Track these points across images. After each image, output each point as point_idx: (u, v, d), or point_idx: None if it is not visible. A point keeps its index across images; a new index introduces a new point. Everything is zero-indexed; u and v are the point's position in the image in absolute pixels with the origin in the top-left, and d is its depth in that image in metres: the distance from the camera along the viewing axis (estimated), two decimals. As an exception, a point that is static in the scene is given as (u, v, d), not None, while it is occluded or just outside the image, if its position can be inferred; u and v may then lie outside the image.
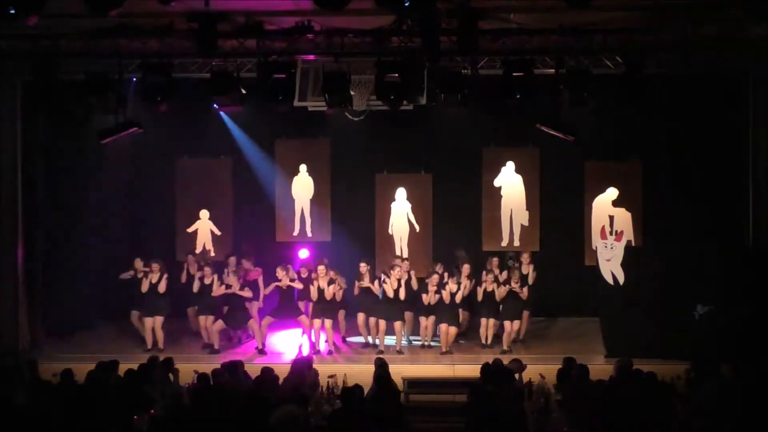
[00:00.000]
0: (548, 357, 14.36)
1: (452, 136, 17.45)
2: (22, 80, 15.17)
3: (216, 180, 18.13)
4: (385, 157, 17.91)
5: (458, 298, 15.20)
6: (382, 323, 15.22)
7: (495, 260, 16.06)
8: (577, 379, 11.11)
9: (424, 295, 15.31)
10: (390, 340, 15.42)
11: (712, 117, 16.61)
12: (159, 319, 15.34)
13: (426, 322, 15.39)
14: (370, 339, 15.52)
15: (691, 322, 14.32)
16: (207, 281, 15.61)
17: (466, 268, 15.58)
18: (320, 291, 15.28)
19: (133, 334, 16.03)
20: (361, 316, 15.49)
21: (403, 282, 15.36)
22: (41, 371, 12.16)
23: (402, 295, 15.28)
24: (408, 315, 15.57)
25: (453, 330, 15.12)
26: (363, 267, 15.54)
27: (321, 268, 15.35)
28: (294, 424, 9.69)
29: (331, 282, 15.31)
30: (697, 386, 11.10)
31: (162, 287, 15.39)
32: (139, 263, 15.63)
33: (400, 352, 15.03)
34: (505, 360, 12.17)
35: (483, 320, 15.41)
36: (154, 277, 15.40)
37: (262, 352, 15.09)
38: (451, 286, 15.22)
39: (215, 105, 14.85)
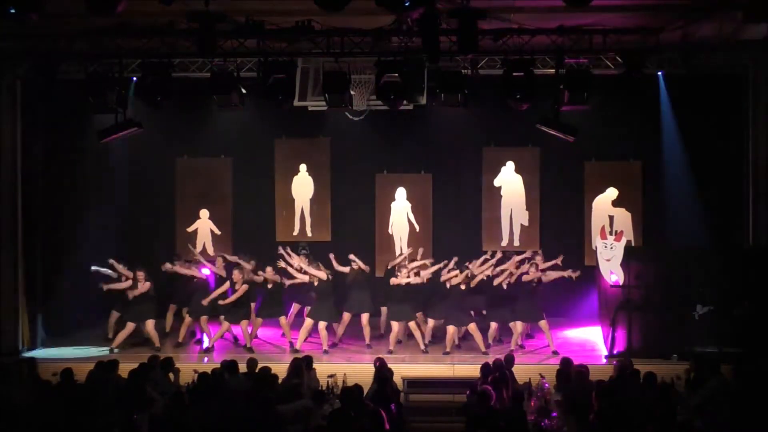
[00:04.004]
0: (548, 357, 14.37)
1: (452, 136, 17.47)
2: (22, 80, 15.17)
3: (216, 180, 18.15)
4: (385, 157, 17.93)
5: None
6: (394, 323, 15.14)
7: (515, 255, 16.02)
8: (577, 379, 11.11)
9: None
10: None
11: (712, 117, 16.61)
12: (150, 322, 15.30)
13: (432, 322, 15.36)
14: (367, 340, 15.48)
15: (691, 322, 14.32)
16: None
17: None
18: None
19: (133, 334, 16.01)
20: (347, 316, 15.40)
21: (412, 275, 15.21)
22: (41, 371, 12.17)
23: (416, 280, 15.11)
24: (420, 316, 15.47)
25: (455, 330, 15.03)
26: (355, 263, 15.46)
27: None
28: (306, 418, 9.94)
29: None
30: (697, 386, 11.11)
31: (151, 293, 15.35)
32: (120, 267, 15.55)
33: (391, 351, 14.98)
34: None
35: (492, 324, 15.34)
36: (142, 287, 15.29)
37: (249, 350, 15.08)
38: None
39: (215, 105, 14.85)
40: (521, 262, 15.35)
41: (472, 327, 14.89)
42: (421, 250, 16.36)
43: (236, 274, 15.24)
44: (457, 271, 14.86)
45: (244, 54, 14.12)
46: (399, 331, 15.09)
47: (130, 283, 15.29)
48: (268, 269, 15.33)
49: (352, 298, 15.41)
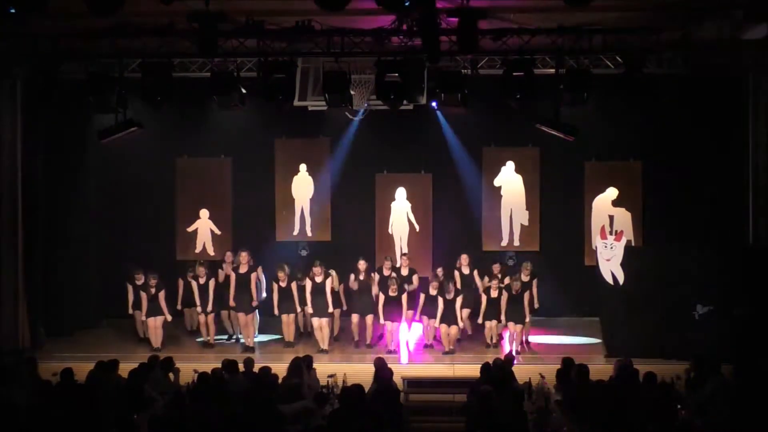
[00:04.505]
0: (548, 357, 14.37)
1: (452, 136, 17.48)
2: (22, 80, 15.16)
3: (216, 180, 18.15)
4: (385, 157, 17.93)
5: (458, 304, 15.18)
6: (388, 323, 15.20)
7: (497, 266, 16.00)
8: (577, 379, 11.10)
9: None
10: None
11: (712, 117, 16.62)
12: (159, 319, 15.36)
13: (428, 321, 15.41)
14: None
15: (691, 322, 14.32)
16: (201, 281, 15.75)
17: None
18: (317, 289, 15.36)
19: (134, 333, 16.03)
20: (355, 317, 15.51)
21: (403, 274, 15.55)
22: (41, 371, 12.16)
23: (404, 297, 15.26)
24: (408, 314, 15.56)
25: (454, 330, 15.10)
26: (362, 264, 15.53)
27: (317, 269, 15.41)
28: (307, 419, 9.95)
29: (327, 276, 15.43)
30: (697, 386, 11.10)
31: (161, 300, 15.39)
32: (140, 276, 15.63)
33: (391, 351, 14.99)
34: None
35: (487, 323, 15.36)
36: (151, 290, 15.41)
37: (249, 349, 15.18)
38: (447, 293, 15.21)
39: (215, 105, 14.84)
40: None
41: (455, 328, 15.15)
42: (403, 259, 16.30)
43: (244, 256, 15.52)
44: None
45: (244, 54, 14.12)
46: (393, 331, 15.22)
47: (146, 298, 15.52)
48: (280, 274, 15.45)
49: (362, 301, 15.48)
